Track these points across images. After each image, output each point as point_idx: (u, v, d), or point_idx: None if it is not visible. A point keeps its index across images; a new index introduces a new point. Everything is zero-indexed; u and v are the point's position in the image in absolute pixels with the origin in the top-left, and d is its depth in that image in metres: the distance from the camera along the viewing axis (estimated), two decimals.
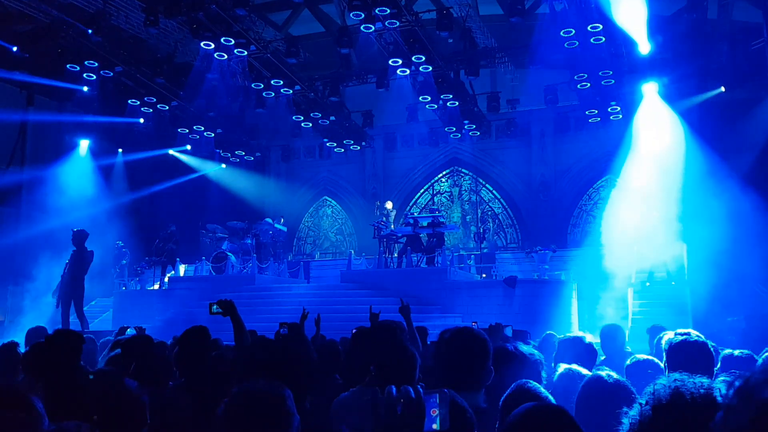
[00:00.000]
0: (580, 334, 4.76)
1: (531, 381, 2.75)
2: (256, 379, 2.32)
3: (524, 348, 3.44)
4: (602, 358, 6.00)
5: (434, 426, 1.83)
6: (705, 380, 1.92)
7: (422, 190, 27.18)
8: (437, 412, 1.85)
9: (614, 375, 2.99)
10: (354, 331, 5.60)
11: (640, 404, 1.93)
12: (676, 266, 18.36)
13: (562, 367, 3.62)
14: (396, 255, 19.12)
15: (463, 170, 26.53)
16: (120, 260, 21.14)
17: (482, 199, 26.29)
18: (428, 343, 6.89)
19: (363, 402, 3.25)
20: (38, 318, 13.62)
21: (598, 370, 3.21)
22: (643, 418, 1.90)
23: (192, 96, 21.63)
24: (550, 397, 2.70)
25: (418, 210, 25.40)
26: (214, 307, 4.96)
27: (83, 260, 13.94)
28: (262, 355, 2.84)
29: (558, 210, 24.35)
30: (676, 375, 1.95)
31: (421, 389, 1.86)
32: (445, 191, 27.00)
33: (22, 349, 5.47)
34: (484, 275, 19.54)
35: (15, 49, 18.33)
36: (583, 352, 4.40)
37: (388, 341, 3.62)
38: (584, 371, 3.53)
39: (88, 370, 4.49)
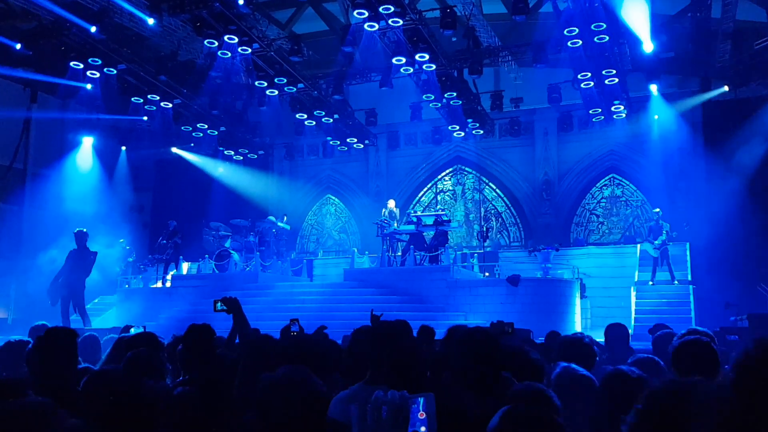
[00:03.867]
0: (580, 333, 4.76)
1: (536, 383, 2.76)
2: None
3: (531, 352, 3.45)
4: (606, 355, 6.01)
5: (422, 429, 1.86)
6: (697, 380, 1.92)
7: (425, 189, 27.16)
8: (425, 414, 1.87)
9: (636, 371, 2.99)
10: (356, 330, 5.62)
11: (637, 408, 1.94)
12: (680, 265, 18.37)
13: (561, 365, 3.62)
14: (399, 253, 19.14)
15: (467, 169, 26.50)
16: (125, 258, 21.18)
17: (485, 197, 26.27)
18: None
19: (361, 399, 3.25)
20: (41, 315, 13.66)
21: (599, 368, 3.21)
22: (639, 421, 1.91)
23: (195, 94, 21.66)
24: (554, 397, 2.71)
25: (422, 208, 25.39)
26: (219, 304, 4.98)
27: (85, 260, 13.96)
28: (281, 349, 2.86)
29: (561, 209, 24.33)
30: (670, 377, 1.96)
31: (406, 393, 1.89)
32: (449, 190, 26.97)
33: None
34: (487, 274, 19.53)
35: (18, 46, 18.37)
36: (583, 351, 4.40)
37: (404, 339, 3.62)
38: (582, 370, 3.54)
39: (89, 367, 4.51)
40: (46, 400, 2.11)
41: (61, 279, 14.04)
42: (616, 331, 5.94)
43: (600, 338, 6.38)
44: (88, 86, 20.16)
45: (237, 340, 5.55)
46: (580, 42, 17.76)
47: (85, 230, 14.15)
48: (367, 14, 16.78)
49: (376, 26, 17.59)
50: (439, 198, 26.94)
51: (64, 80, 19.68)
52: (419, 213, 20.03)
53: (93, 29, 17.79)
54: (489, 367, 2.92)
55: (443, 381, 3.03)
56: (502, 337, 5.35)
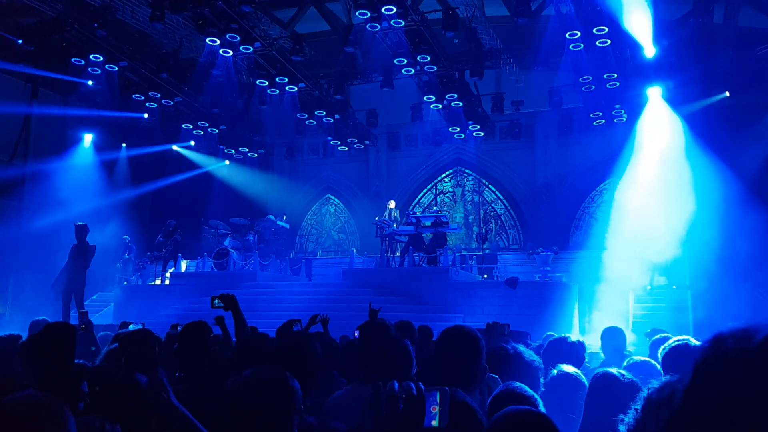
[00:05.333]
0: (566, 335, 4.73)
1: (517, 382, 2.76)
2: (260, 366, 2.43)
3: (526, 353, 3.45)
4: (602, 358, 6.01)
5: (433, 423, 1.85)
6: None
7: (425, 190, 27.18)
8: (437, 408, 1.86)
9: (627, 374, 2.99)
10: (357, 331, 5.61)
11: (636, 410, 1.93)
12: (678, 270, 18.34)
13: (557, 368, 3.62)
14: (398, 254, 19.14)
15: (467, 171, 26.52)
16: (123, 254, 21.17)
17: (485, 199, 26.28)
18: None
19: (357, 400, 3.27)
20: (39, 311, 13.64)
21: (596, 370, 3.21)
22: (638, 423, 1.90)
23: (196, 92, 21.65)
24: (538, 399, 2.71)
25: (421, 210, 25.39)
26: (216, 301, 4.98)
27: (85, 254, 13.94)
28: (266, 349, 2.86)
29: (560, 212, 24.33)
30: (669, 378, 1.95)
31: (422, 386, 1.88)
32: (448, 191, 27.00)
33: None
34: (485, 276, 19.53)
35: (20, 41, 18.36)
36: (569, 353, 4.38)
37: (381, 337, 3.64)
38: (577, 372, 3.54)
39: (84, 364, 4.49)
40: (49, 395, 2.10)
41: (64, 274, 14.03)
42: (612, 335, 5.94)
43: (596, 342, 6.38)
44: (90, 82, 20.16)
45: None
46: (582, 45, 17.77)
47: (85, 224, 14.11)
48: (369, 15, 16.78)
49: (378, 27, 17.59)
50: (438, 199, 26.95)
51: (65, 76, 19.68)
52: (418, 214, 20.02)
53: (95, 25, 17.79)
54: (472, 364, 2.92)
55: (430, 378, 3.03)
56: (498, 338, 5.35)
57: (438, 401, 1.87)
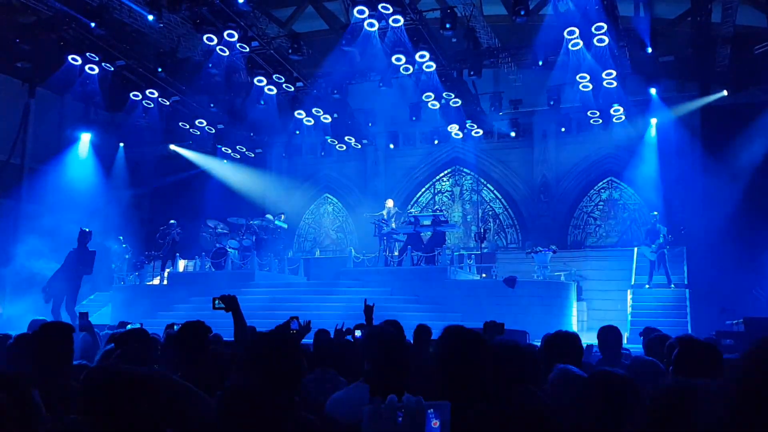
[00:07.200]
0: (569, 331, 4.69)
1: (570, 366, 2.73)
2: (248, 374, 2.39)
3: (524, 345, 3.44)
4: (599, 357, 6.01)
5: None
6: (706, 381, 1.92)
7: (423, 189, 27.14)
8: (438, 423, 1.85)
9: (624, 373, 2.99)
10: (356, 330, 5.61)
11: (644, 406, 1.94)
12: (676, 269, 18.37)
13: (558, 366, 3.61)
14: (396, 253, 19.13)
15: (465, 170, 26.49)
16: (123, 255, 21.14)
17: (483, 199, 26.26)
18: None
19: (357, 399, 3.26)
20: (35, 311, 13.62)
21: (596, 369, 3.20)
22: (645, 420, 1.90)
23: (194, 91, 21.61)
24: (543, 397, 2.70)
25: (419, 209, 25.37)
26: (217, 302, 4.96)
27: (84, 261, 13.89)
28: (259, 350, 2.84)
29: (559, 211, 24.31)
30: (677, 377, 1.95)
31: (422, 400, 1.87)
32: (447, 190, 26.97)
33: None
34: (484, 275, 19.53)
35: (17, 40, 18.31)
36: (570, 349, 4.33)
37: (384, 341, 3.62)
38: (578, 370, 3.53)
39: (86, 364, 4.48)
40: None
41: (58, 278, 13.99)
42: (608, 334, 5.92)
43: (594, 340, 6.38)
44: (87, 82, 20.11)
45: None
46: (581, 44, 17.76)
47: (88, 230, 14.07)
48: (367, 13, 16.78)
49: (377, 25, 17.58)
50: (437, 199, 26.93)
51: (62, 75, 19.64)
52: (417, 213, 20.02)
53: (92, 24, 17.76)
54: (470, 367, 2.88)
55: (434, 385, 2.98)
56: (493, 337, 5.35)
57: (440, 415, 1.86)
